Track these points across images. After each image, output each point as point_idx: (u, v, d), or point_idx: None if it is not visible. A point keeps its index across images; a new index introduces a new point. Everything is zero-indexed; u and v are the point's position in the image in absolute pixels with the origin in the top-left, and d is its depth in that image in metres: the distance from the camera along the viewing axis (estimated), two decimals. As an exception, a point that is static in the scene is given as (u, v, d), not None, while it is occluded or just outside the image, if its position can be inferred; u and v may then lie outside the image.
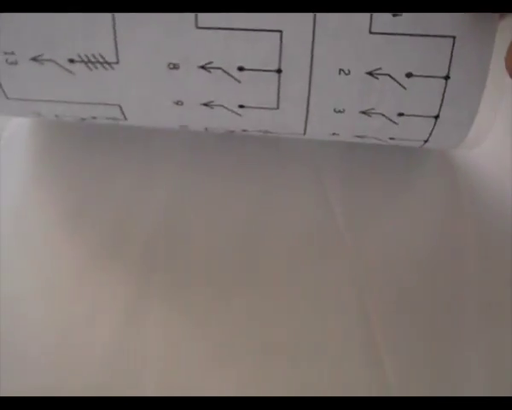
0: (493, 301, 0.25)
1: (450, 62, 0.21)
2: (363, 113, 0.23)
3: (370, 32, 0.21)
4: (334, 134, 0.24)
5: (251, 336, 0.24)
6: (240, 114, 0.23)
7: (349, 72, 0.21)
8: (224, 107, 0.23)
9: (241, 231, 0.26)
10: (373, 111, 0.23)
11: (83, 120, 0.25)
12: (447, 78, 0.21)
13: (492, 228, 0.26)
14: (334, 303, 0.24)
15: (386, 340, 0.24)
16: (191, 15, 0.21)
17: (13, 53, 0.22)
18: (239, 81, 0.22)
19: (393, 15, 0.20)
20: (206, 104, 0.23)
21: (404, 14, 0.20)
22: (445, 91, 0.22)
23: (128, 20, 0.21)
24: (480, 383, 0.23)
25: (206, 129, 0.25)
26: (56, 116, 0.25)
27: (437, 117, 0.23)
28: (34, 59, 0.22)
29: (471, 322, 0.24)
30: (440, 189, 0.27)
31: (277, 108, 0.23)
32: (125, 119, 0.24)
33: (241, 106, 0.23)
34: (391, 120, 0.23)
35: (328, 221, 0.26)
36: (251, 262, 0.25)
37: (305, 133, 0.24)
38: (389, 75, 0.21)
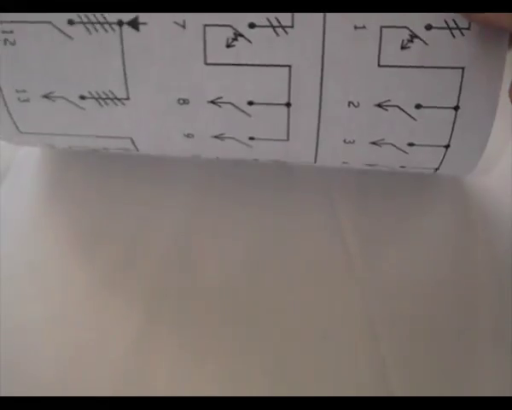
0: (506, 327, 0.24)
1: (460, 93, 0.21)
2: (373, 143, 0.23)
3: (379, 65, 0.21)
4: (344, 163, 0.25)
5: (262, 363, 0.24)
6: (250, 146, 0.23)
7: (358, 104, 0.22)
8: (235, 139, 0.23)
9: (252, 258, 0.26)
10: (383, 141, 0.23)
11: (94, 150, 0.26)
12: (457, 108, 0.21)
13: (505, 253, 0.26)
14: (345, 331, 0.24)
15: (398, 369, 0.23)
16: (200, 52, 0.21)
17: (24, 91, 0.22)
18: (249, 115, 0.22)
19: (402, 48, 0.20)
20: (216, 137, 0.23)
21: (412, 47, 0.20)
22: (455, 121, 0.22)
23: (137, 58, 0.21)
24: None
25: (218, 158, 0.26)
26: (69, 147, 0.25)
27: (447, 147, 0.22)
28: (46, 96, 0.22)
29: (484, 350, 0.24)
30: (452, 214, 0.27)
31: (287, 139, 0.23)
32: (137, 150, 0.25)
33: (251, 138, 0.23)
34: (401, 150, 0.23)
35: (339, 247, 0.26)
36: (262, 289, 0.25)
37: (315, 162, 0.24)
38: (398, 107, 0.21)
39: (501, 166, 0.24)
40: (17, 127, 0.24)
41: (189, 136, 0.23)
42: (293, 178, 0.28)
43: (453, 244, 0.26)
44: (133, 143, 0.24)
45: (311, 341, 0.24)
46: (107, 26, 0.21)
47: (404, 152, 0.23)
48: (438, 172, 0.24)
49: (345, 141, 0.23)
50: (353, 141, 0.23)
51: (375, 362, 0.23)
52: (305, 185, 0.28)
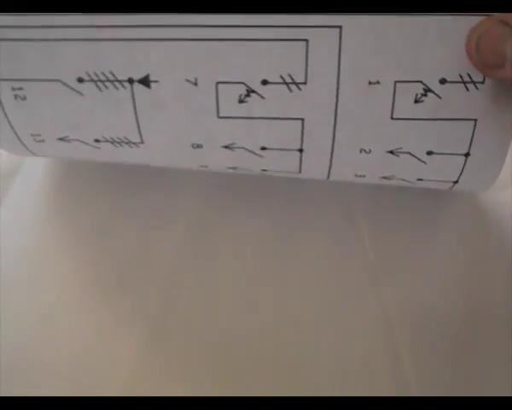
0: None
1: (471, 142, 0.21)
2: (384, 178, 0.23)
3: (392, 118, 0.21)
4: (359, 176, 0.24)
5: (276, 356, 0.24)
6: (264, 173, 0.24)
7: (370, 151, 0.22)
8: (247, 170, 0.24)
9: (265, 273, 0.26)
10: (393, 178, 0.23)
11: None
12: (467, 155, 0.21)
13: None
14: (364, 342, 0.24)
15: (416, 370, 0.24)
16: (213, 107, 0.21)
17: (39, 135, 0.23)
18: (262, 156, 0.22)
19: (415, 102, 0.20)
20: (230, 168, 0.24)
21: (426, 100, 0.20)
22: (465, 165, 0.22)
23: (149, 113, 0.21)
24: None
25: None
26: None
27: (456, 182, 0.23)
28: (61, 139, 0.23)
29: (500, 364, 0.24)
30: (468, 230, 0.27)
31: (299, 172, 0.23)
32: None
33: (264, 170, 0.24)
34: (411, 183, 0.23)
35: (358, 263, 0.26)
36: (274, 302, 0.25)
37: (328, 177, 0.24)
38: (410, 153, 0.22)
39: None
40: (33, 153, 0.24)
41: (202, 166, 0.24)
42: (306, 192, 0.28)
43: (469, 258, 0.26)
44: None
45: (329, 344, 0.24)
46: (117, 84, 0.20)
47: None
48: (456, 186, 0.25)
49: (356, 175, 0.23)
50: (364, 175, 0.23)
51: (394, 367, 0.24)
52: (319, 201, 0.28)
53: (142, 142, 0.22)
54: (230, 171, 0.24)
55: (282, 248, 0.27)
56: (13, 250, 0.26)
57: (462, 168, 0.22)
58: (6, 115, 0.22)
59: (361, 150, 0.22)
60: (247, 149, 0.22)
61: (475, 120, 0.21)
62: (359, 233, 0.27)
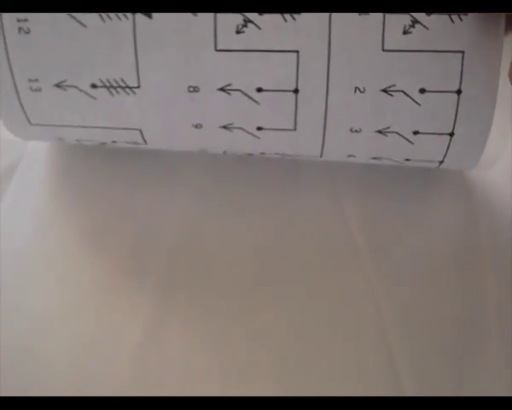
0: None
1: (461, 77, 0.22)
2: (379, 132, 0.23)
3: (383, 50, 0.22)
4: (350, 156, 0.25)
5: (269, 353, 0.24)
6: (258, 137, 0.24)
7: (364, 89, 0.22)
8: (243, 129, 0.23)
9: (259, 256, 0.26)
10: (389, 130, 0.23)
11: (103, 144, 0.26)
12: (459, 92, 0.22)
13: (510, 244, 0.26)
14: (352, 320, 0.25)
15: (404, 355, 0.24)
16: (211, 38, 0.22)
17: (37, 80, 0.23)
18: (258, 103, 0.23)
19: (404, 33, 0.21)
20: (225, 127, 0.23)
21: (414, 32, 0.21)
22: (458, 107, 0.22)
23: (149, 45, 0.22)
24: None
25: (225, 152, 0.26)
26: (77, 140, 0.26)
27: (451, 134, 0.23)
28: (57, 85, 0.23)
29: (490, 338, 0.24)
30: (457, 206, 0.27)
31: (295, 129, 0.23)
32: (146, 143, 0.25)
33: (259, 128, 0.23)
34: (406, 139, 0.23)
35: (345, 240, 0.26)
36: (269, 283, 0.25)
37: (321, 156, 0.25)
38: (403, 92, 0.22)
39: (503, 159, 0.25)
40: (28, 119, 0.24)
41: (197, 126, 0.24)
42: (298, 172, 0.29)
43: (457, 235, 0.27)
44: (142, 135, 0.24)
45: (319, 329, 0.24)
46: (120, 14, 0.21)
47: (410, 142, 0.23)
48: (442, 165, 0.25)
49: (351, 130, 0.23)
50: (360, 130, 0.23)
51: (383, 349, 0.24)
52: (311, 182, 0.28)
53: (139, 86, 0.22)
54: (226, 134, 0.24)
55: (271, 235, 0.27)
56: (11, 251, 0.26)
57: (456, 110, 0.22)
58: (7, 54, 0.22)
59: (355, 89, 0.22)
60: (242, 93, 0.22)
61: (463, 53, 0.21)
62: (348, 213, 0.27)
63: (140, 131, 0.24)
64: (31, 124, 0.24)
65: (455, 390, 0.23)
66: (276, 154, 0.25)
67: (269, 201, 0.28)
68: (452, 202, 0.27)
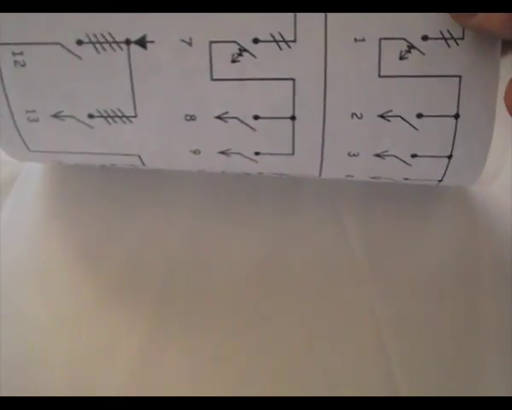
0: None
1: (459, 101, 0.22)
2: (377, 156, 0.23)
3: (379, 76, 0.21)
4: (348, 176, 0.25)
5: (267, 369, 0.24)
6: (256, 161, 0.24)
7: (361, 115, 0.22)
8: (241, 154, 0.24)
9: (258, 272, 0.26)
10: (386, 154, 0.23)
11: (102, 166, 0.26)
12: (457, 116, 0.22)
13: (509, 259, 0.26)
14: (351, 334, 0.25)
15: (404, 368, 0.24)
16: (206, 68, 0.22)
17: (34, 111, 0.23)
18: (254, 130, 0.23)
19: (400, 59, 0.21)
20: (222, 152, 0.23)
21: (410, 57, 0.21)
22: (456, 130, 0.22)
23: (144, 76, 0.22)
24: None
25: (223, 172, 0.26)
26: (77, 164, 0.26)
27: (450, 157, 0.23)
28: (55, 116, 0.23)
29: (489, 350, 0.24)
30: (457, 222, 0.27)
31: (293, 153, 0.23)
32: (144, 165, 0.25)
33: (256, 153, 0.23)
34: (404, 162, 0.23)
35: (345, 255, 0.27)
36: (268, 297, 0.26)
37: (320, 175, 0.25)
38: (400, 117, 0.22)
39: (504, 175, 0.25)
40: (27, 146, 0.24)
41: (195, 152, 0.24)
42: (298, 187, 0.29)
43: (457, 249, 0.27)
44: (141, 159, 0.24)
45: (318, 342, 0.25)
46: (115, 46, 0.21)
47: (408, 164, 0.23)
48: (441, 183, 0.25)
49: (349, 154, 0.23)
50: (357, 154, 0.23)
51: (382, 362, 0.24)
52: (310, 196, 0.29)
53: (136, 115, 0.23)
54: (224, 159, 0.24)
55: (271, 250, 0.27)
56: (11, 262, 0.26)
57: (454, 134, 0.22)
58: (3, 86, 0.22)
59: (352, 115, 0.22)
60: (239, 120, 0.22)
61: (460, 77, 0.21)
62: (348, 227, 0.27)
63: (139, 156, 0.24)
64: (30, 150, 0.24)
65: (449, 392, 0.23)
66: (274, 174, 0.25)
67: (269, 217, 0.28)
68: (453, 217, 0.27)
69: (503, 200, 0.28)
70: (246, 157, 0.24)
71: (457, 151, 0.23)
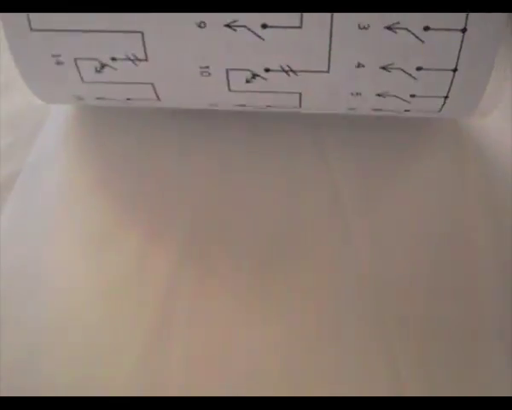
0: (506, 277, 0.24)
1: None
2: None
3: None
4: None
5: (271, 367, 0.23)
6: (263, 38, 0.23)
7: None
8: (246, 27, 0.23)
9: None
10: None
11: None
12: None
13: (504, 194, 0.26)
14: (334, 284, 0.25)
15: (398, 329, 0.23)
16: None
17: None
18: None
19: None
20: (228, 25, 0.23)
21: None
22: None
23: None
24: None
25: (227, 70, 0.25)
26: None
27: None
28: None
29: (486, 307, 0.24)
30: (450, 157, 0.27)
31: (300, 26, 0.23)
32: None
33: (263, 25, 0.23)
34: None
35: (334, 204, 0.26)
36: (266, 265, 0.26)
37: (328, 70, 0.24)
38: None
39: (499, 109, 0.24)
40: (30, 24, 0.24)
41: (200, 25, 0.23)
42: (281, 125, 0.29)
43: (450, 187, 0.27)
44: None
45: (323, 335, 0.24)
46: None
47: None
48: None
49: (359, 26, 0.23)
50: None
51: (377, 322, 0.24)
52: (301, 147, 0.29)
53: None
54: (228, 34, 0.23)
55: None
56: (11, 262, 0.26)
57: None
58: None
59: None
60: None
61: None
62: (337, 173, 0.27)
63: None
64: (32, 30, 0.24)
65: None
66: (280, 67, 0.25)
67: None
68: (445, 152, 0.27)
69: (498, 134, 0.28)
70: (252, 31, 0.23)
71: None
